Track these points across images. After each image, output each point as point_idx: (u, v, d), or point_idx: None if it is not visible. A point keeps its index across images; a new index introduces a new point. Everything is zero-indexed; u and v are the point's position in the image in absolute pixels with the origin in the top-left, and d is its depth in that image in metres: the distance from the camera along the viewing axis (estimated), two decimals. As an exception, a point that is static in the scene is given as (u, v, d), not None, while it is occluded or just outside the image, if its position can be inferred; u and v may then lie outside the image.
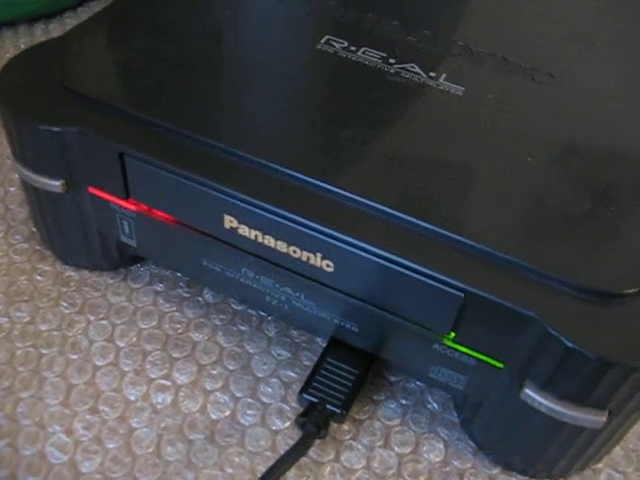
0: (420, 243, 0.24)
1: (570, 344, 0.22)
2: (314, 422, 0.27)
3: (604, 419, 0.24)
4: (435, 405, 0.31)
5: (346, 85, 0.30)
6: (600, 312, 0.23)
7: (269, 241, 0.26)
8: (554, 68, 0.33)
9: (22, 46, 0.47)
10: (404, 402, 0.31)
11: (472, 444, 0.29)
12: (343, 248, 0.25)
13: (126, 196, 0.29)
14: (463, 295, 0.24)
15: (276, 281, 0.28)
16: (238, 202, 0.26)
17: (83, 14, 0.50)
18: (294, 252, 0.26)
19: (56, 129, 0.28)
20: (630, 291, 0.24)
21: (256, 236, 0.26)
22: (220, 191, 0.26)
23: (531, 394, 0.24)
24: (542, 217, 0.25)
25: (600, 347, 0.22)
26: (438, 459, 0.29)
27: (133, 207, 0.29)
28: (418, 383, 0.31)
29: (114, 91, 0.29)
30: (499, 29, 0.35)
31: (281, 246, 0.26)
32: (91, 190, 0.30)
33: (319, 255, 0.26)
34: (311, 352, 0.32)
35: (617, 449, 0.30)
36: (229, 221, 0.27)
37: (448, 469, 0.29)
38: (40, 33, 0.49)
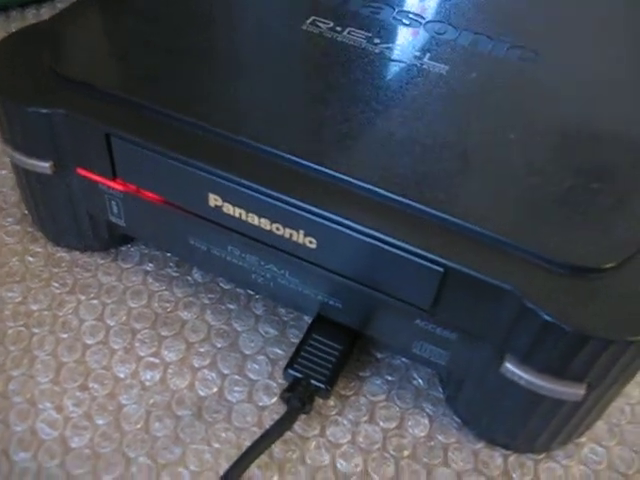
0: (400, 219, 0.25)
1: (547, 317, 0.23)
2: (299, 397, 0.28)
3: (583, 392, 0.24)
4: (420, 381, 0.31)
5: (330, 65, 0.30)
6: (578, 286, 0.24)
7: (253, 219, 0.27)
8: (538, 46, 0.33)
9: (14, 30, 0.47)
10: (389, 378, 0.31)
11: (457, 419, 0.30)
12: (325, 225, 0.25)
13: (113, 176, 0.29)
14: (443, 270, 0.24)
15: (261, 258, 0.29)
16: (222, 180, 0.26)
17: (75, -1, 0.51)
18: (277, 229, 0.26)
19: (44, 111, 0.28)
20: (607, 266, 0.24)
21: (240, 214, 0.27)
22: (204, 170, 0.26)
23: (511, 368, 0.25)
24: (521, 193, 0.26)
25: (577, 320, 0.23)
26: (423, 434, 0.29)
27: (120, 187, 0.30)
28: (404, 360, 0.32)
29: (100, 74, 0.29)
30: (484, 9, 0.35)
31: (264, 224, 0.27)
32: (79, 171, 0.30)
33: (302, 232, 0.26)
34: (298, 330, 0.32)
35: (600, 423, 0.30)
36: (214, 199, 0.27)
37: (432, 444, 0.29)
38: (32, 17, 0.49)
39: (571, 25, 0.35)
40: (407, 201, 0.25)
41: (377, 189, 0.25)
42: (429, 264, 0.24)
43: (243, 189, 0.26)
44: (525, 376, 0.25)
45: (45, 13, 0.49)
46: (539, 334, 0.23)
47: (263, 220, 0.26)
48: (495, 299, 0.24)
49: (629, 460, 0.29)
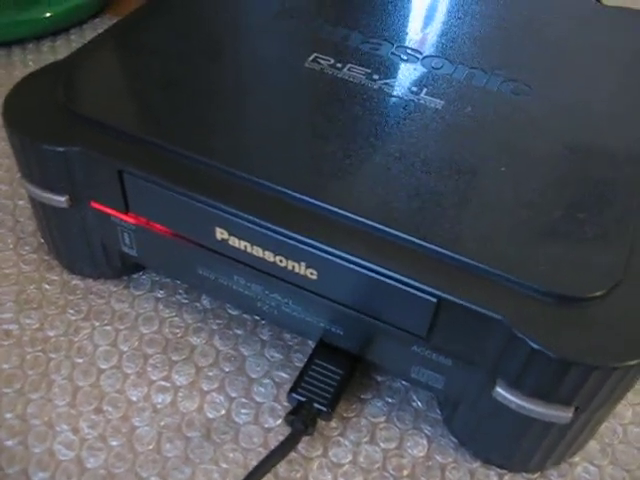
0: (396, 252, 0.26)
1: (535, 345, 0.24)
2: (302, 420, 0.29)
3: (570, 415, 0.26)
4: (419, 403, 0.32)
5: (331, 101, 0.32)
6: (564, 315, 0.25)
7: (257, 251, 0.28)
8: (531, 80, 0.34)
9: (30, 63, 0.50)
10: (390, 400, 0.32)
11: (454, 440, 0.31)
12: (325, 257, 0.27)
13: (126, 210, 0.31)
14: (436, 300, 0.25)
15: (266, 288, 0.30)
16: (228, 215, 0.28)
17: (88, 31, 0.53)
18: (280, 261, 0.28)
19: (59, 149, 0.30)
20: (593, 295, 0.25)
21: (245, 247, 0.28)
22: (211, 205, 0.28)
23: (502, 392, 0.26)
24: (511, 225, 0.27)
25: (563, 348, 0.24)
26: (421, 454, 0.31)
27: (132, 220, 0.31)
28: (403, 382, 0.33)
29: (113, 112, 0.31)
30: (480, 43, 0.37)
31: (268, 256, 0.28)
32: (93, 205, 0.32)
33: (303, 264, 0.27)
34: (302, 354, 0.34)
35: (593, 443, 0.31)
36: (220, 233, 0.29)
37: (431, 463, 0.30)
38: (47, 50, 0.51)
39: (564, 59, 0.36)
40: (403, 235, 0.26)
41: (374, 223, 0.27)
42: (423, 295, 0.26)
43: (248, 223, 0.27)
44: (515, 400, 0.26)
45: (60, 45, 0.51)
46: (527, 360, 0.25)
47: (267, 252, 0.28)
48: (486, 327, 0.25)
49: (620, 479, 0.30)
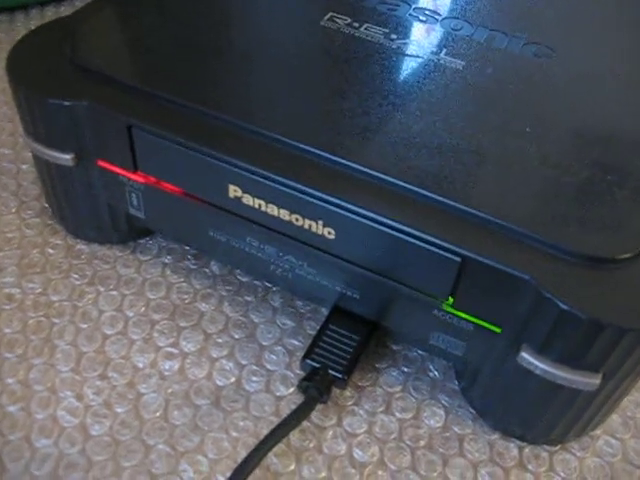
0: (418, 210, 0.25)
1: (564, 306, 0.23)
2: (316, 386, 0.28)
3: (598, 381, 0.25)
4: (436, 373, 0.31)
5: (348, 59, 0.31)
6: (594, 276, 0.24)
7: (272, 209, 0.27)
8: (554, 43, 0.33)
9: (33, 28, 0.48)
10: (406, 370, 0.31)
11: (472, 411, 0.30)
12: (344, 215, 0.25)
13: (134, 169, 0.30)
14: (460, 259, 0.24)
15: (280, 249, 0.29)
16: (242, 171, 0.27)
17: (93, -3, 0.51)
18: (296, 220, 0.27)
19: (66, 103, 0.29)
20: (623, 256, 0.24)
21: (259, 205, 0.27)
22: (224, 161, 0.27)
23: (527, 357, 0.25)
24: (538, 185, 0.26)
25: (593, 309, 0.23)
26: (438, 425, 0.30)
27: (141, 179, 0.30)
28: (420, 352, 0.32)
29: (121, 66, 0.30)
30: (499, 6, 0.36)
31: (284, 214, 0.27)
32: (100, 163, 0.30)
33: (320, 223, 0.26)
34: (315, 321, 0.33)
35: (615, 416, 0.30)
36: (233, 190, 0.27)
37: (448, 434, 0.29)
38: (51, 15, 0.50)
39: (587, 22, 0.35)
40: (425, 192, 0.25)
41: (395, 180, 0.26)
42: (447, 254, 0.24)
43: (263, 180, 0.26)
44: (541, 365, 0.25)
45: (64, 11, 0.50)
46: (555, 323, 0.23)
47: (282, 211, 0.27)
48: (512, 289, 0.24)
49: (643, 452, 0.29)
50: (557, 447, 0.29)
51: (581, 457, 0.29)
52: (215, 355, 0.31)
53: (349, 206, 0.25)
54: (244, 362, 0.31)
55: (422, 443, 0.29)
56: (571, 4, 0.36)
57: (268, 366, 0.31)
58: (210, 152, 0.27)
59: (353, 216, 0.25)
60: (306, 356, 0.29)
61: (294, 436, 0.29)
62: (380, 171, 0.26)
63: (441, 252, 0.25)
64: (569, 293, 0.23)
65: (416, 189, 0.25)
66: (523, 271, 0.24)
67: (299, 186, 0.26)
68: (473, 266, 0.24)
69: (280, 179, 0.26)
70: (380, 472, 0.28)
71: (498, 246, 0.24)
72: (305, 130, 0.27)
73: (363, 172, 0.26)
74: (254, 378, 0.30)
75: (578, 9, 0.36)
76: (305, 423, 0.29)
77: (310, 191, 0.26)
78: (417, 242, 0.25)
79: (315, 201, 0.26)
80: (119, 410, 0.29)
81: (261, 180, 0.26)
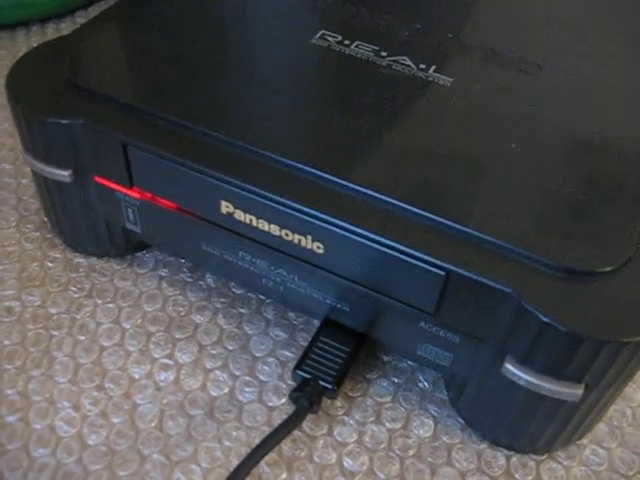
0: (403, 225, 0.26)
1: (544, 319, 0.24)
2: (307, 397, 0.29)
3: (581, 392, 0.25)
4: (426, 384, 0.32)
5: (338, 77, 0.32)
6: (575, 289, 0.24)
7: (263, 225, 0.28)
8: (541, 59, 0.34)
9: (34, 45, 0.49)
10: (396, 380, 0.32)
11: (461, 421, 0.31)
12: (332, 230, 0.26)
13: (130, 185, 0.30)
14: (445, 273, 0.25)
15: (271, 263, 0.30)
16: (233, 188, 0.27)
17: (94, 13, 0.52)
18: (286, 235, 0.27)
19: (63, 121, 0.29)
20: (603, 270, 0.25)
21: (251, 220, 0.28)
22: (217, 178, 0.27)
23: (511, 368, 0.26)
24: (521, 199, 0.27)
25: (573, 321, 0.23)
26: (427, 434, 0.30)
27: (137, 195, 0.31)
28: (410, 363, 0.33)
29: (117, 85, 0.30)
30: (488, 21, 0.36)
31: (274, 229, 0.28)
32: (97, 179, 0.31)
33: (309, 237, 0.27)
34: (307, 333, 0.33)
35: (602, 425, 0.31)
36: (225, 206, 0.28)
37: (437, 444, 0.30)
38: (52, 32, 0.51)
39: (574, 37, 0.36)
40: (410, 207, 0.26)
41: (381, 196, 0.26)
42: (432, 268, 0.25)
43: (253, 196, 0.27)
44: (524, 376, 0.25)
45: (65, 28, 0.51)
46: (537, 335, 0.24)
47: (273, 226, 0.28)
48: (495, 301, 0.25)
49: (630, 462, 0.30)
50: (544, 456, 0.30)
51: (568, 466, 0.30)
52: (209, 366, 0.32)
53: (336, 222, 0.26)
54: (237, 373, 0.32)
55: (411, 452, 0.30)
56: (558, 20, 0.37)
57: (261, 377, 0.32)
58: (202, 169, 0.28)
59: (340, 231, 0.26)
60: (297, 367, 0.30)
61: (286, 445, 0.29)
62: (366, 186, 0.26)
63: (426, 266, 0.25)
64: (550, 306, 0.24)
65: (402, 204, 0.26)
66: (505, 284, 0.24)
67: (288, 202, 0.26)
68: (457, 280, 0.25)
69: (270, 195, 0.27)
70: (369, 481, 0.29)
71: (481, 260, 0.25)
72: (294, 147, 0.28)
73: (350, 188, 0.27)
74: (247, 389, 0.31)
75: (565, 25, 0.37)
76: (296, 433, 0.30)
77: (299, 207, 0.26)
78: (402, 257, 0.25)
79: (304, 217, 0.26)
80: (115, 420, 0.30)
81: (251, 196, 0.27)
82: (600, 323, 0.24)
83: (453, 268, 0.25)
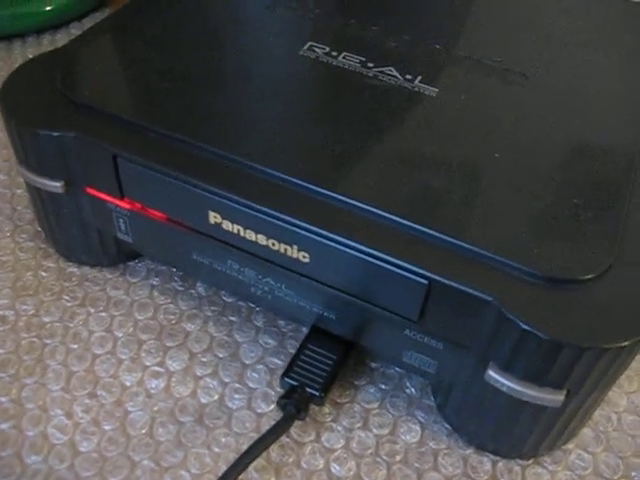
0: (387, 234, 0.26)
1: (525, 326, 0.24)
2: (294, 404, 0.29)
3: (562, 398, 0.26)
4: (413, 390, 0.32)
5: (326, 89, 0.32)
6: (556, 297, 0.25)
7: (250, 235, 0.28)
8: (527, 69, 0.34)
9: (30, 56, 0.50)
10: (383, 387, 0.32)
11: (447, 426, 0.31)
12: (316, 240, 0.27)
13: (121, 195, 0.31)
14: (427, 282, 0.25)
15: (259, 272, 0.30)
16: (221, 199, 0.28)
17: (88, 24, 0.53)
18: (273, 245, 0.28)
19: (55, 134, 0.30)
20: (583, 278, 0.25)
21: (238, 230, 0.28)
22: (204, 189, 0.28)
23: (494, 375, 0.26)
24: (502, 208, 0.27)
25: (553, 329, 0.24)
26: (414, 440, 0.31)
27: (128, 206, 0.31)
28: (397, 369, 0.33)
29: (107, 98, 0.31)
30: (475, 32, 0.37)
31: (261, 239, 0.28)
32: (89, 190, 0.32)
33: (295, 247, 0.27)
34: (296, 340, 0.34)
35: (587, 430, 0.31)
36: (213, 217, 0.29)
37: (423, 449, 0.30)
38: (47, 43, 0.51)
39: (559, 48, 0.36)
40: (393, 217, 0.26)
41: (364, 205, 0.27)
42: (414, 277, 0.26)
43: (240, 207, 0.27)
44: (507, 383, 0.26)
45: (60, 39, 0.52)
46: (518, 342, 0.25)
47: (259, 236, 0.28)
48: (477, 309, 0.25)
49: (614, 466, 0.30)
50: (530, 461, 0.30)
51: (553, 471, 0.30)
52: (199, 374, 0.32)
53: (321, 231, 0.26)
54: (227, 380, 0.32)
55: (398, 458, 0.30)
56: (544, 30, 0.38)
57: (250, 384, 0.32)
58: (191, 180, 0.28)
59: (325, 241, 0.26)
60: (285, 374, 0.30)
61: (274, 451, 0.30)
62: (350, 197, 0.27)
63: (409, 275, 0.26)
64: (530, 313, 0.24)
65: (385, 214, 0.27)
66: (486, 292, 0.25)
67: (274, 213, 0.27)
68: (439, 288, 0.25)
69: (256, 206, 0.27)
70: (357, 486, 0.29)
71: (463, 269, 0.25)
72: (281, 158, 0.28)
73: (335, 198, 0.27)
74: (236, 396, 0.32)
75: (551, 35, 0.37)
76: (284, 439, 0.30)
77: (284, 217, 0.27)
78: (385, 266, 0.26)
79: (289, 227, 0.27)
80: (107, 427, 0.30)
81: (238, 207, 0.27)
82: (580, 330, 0.24)
83: (435, 277, 0.25)
